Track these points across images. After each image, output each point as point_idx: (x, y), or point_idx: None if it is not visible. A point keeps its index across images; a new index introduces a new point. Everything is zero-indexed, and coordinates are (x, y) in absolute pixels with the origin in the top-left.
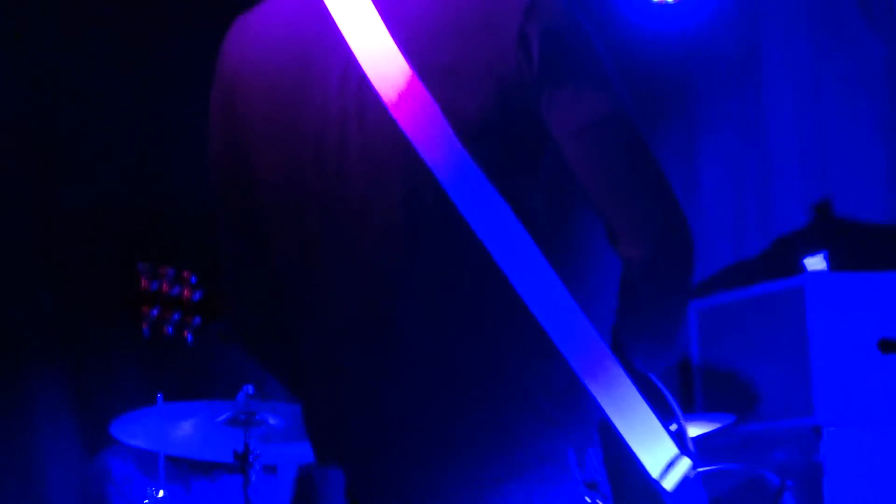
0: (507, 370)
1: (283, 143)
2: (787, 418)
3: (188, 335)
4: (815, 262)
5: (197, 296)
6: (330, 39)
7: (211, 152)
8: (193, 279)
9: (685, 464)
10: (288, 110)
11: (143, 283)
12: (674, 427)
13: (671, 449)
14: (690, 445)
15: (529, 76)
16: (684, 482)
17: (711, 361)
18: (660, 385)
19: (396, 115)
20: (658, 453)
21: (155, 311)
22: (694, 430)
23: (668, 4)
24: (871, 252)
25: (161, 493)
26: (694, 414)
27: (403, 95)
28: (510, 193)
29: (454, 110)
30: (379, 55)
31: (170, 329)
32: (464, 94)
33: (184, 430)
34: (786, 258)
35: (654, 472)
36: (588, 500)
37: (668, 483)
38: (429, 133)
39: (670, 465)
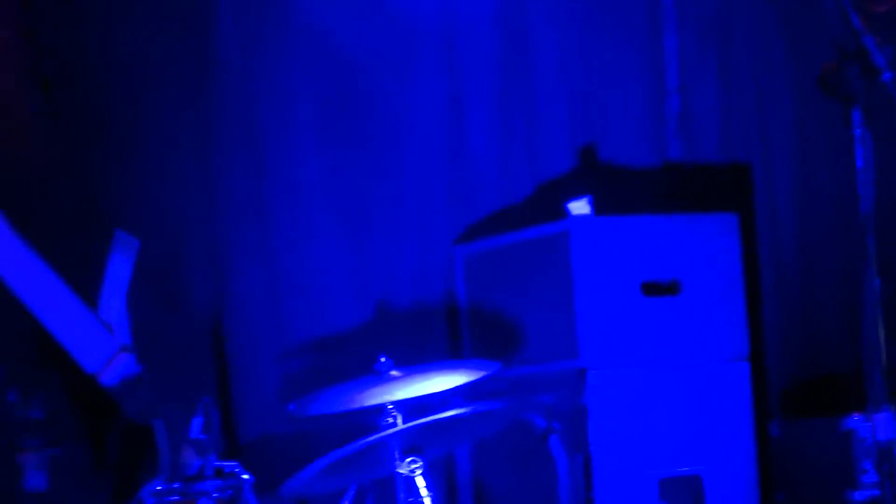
0: None
1: None
2: (554, 361)
3: None
4: (580, 207)
5: None
6: None
7: None
8: None
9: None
10: None
11: None
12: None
13: (112, 347)
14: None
15: None
16: (123, 369)
17: (479, 306)
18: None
19: None
20: (98, 351)
21: None
22: (459, 379)
23: None
24: (634, 196)
25: None
26: (459, 362)
27: None
28: None
29: None
30: None
31: None
32: None
33: None
34: (552, 203)
35: (93, 367)
36: None
37: (108, 377)
38: None
39: (110, 359)
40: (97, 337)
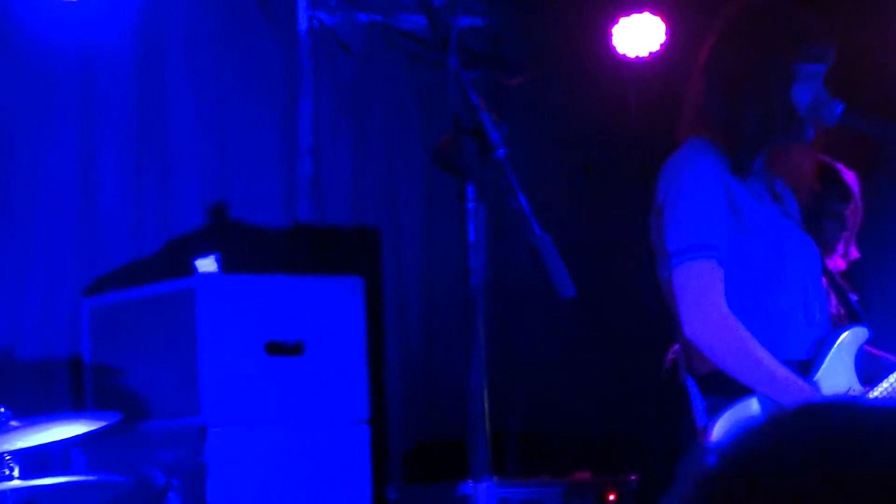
0: None
1: None
2: (175, 418)
3: None
4: (207, 264)
5: None
6: None
7: None
8: None
9: None
10: None
11: None
12: None
13: None
14: None
15: None
16: None
17: (103, 360)
18: None
19: None
20: None
21: None
22: (79, 428)
23: (70, 3)
24: (265, 256)
25: None
26: (79, 412)
27: None
28: None
29: None
30: None
31: None
32: None
33: None
34: (182, 259)
35: None
36: None
37: None
38: None
39: None
40: None
